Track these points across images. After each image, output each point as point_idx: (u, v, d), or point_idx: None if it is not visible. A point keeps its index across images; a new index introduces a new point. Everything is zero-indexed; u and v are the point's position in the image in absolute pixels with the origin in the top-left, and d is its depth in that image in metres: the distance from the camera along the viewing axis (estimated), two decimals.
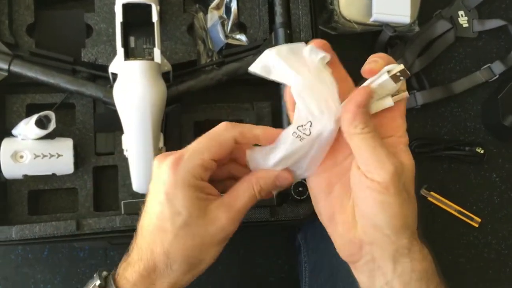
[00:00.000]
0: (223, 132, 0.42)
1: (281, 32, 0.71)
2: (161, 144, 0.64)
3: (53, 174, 0.65)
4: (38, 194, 0.70)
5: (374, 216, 0.39)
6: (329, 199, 0.43)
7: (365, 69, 0.40)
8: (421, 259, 0.41)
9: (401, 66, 0.39)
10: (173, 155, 0.41)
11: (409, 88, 0.84)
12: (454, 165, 0.85)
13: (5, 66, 0.64)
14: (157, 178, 0.41)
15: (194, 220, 0.40)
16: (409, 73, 0.40)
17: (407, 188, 0.39)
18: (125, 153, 0.64)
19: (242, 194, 0.41)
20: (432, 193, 0.84)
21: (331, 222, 0.42)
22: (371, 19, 0.77)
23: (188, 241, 0.40)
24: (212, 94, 0.74)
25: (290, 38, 0.71)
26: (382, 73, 0.40)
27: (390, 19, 0.77)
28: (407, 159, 0.40)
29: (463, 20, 0.86)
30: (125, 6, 0.64)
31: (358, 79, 0.81)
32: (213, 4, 0.76)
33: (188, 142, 0.70)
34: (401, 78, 0.39)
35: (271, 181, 0.42)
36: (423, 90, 0.83)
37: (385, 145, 0.39)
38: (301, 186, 0.68)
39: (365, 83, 0.40)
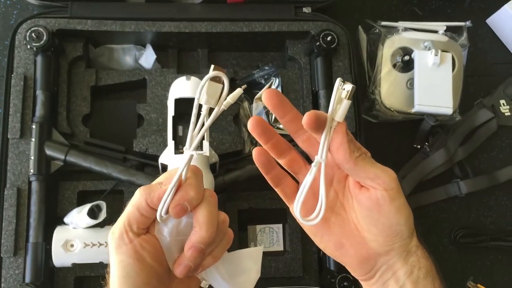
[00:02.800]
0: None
1: None
2: None
3: (100, 262, 0.66)
4: (84, 280, 0.70)
5: (394, 224, 0.42)
6: (331, 232, 0.45)
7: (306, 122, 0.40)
8: (425, 257, 0.44)
9: (348, 84, 0.40)
10: None
11: (453, 176, 0.83)
12: (502, 256, 0.83)
13: (62, 157, 0.68)
14: None
15: None
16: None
17: None
18: None
19: None
20: (479, 285, 0.81)
21: (340, 250, 0.45)
22: (413, 110, 0.78)
23: None
24: (255, 181, 0.75)
25: None
26: (336, 91, 0.40)
27: (432, 110, 0.78)
28: None
29: (504, 109, 0.86)
30: (177, 101, 0.67)
31: (399, 167, 0.82)
32: (259, 95, 0.79)
33: (232, 230, 0.71)
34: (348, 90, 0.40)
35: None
36: (466, 179, 0.82)
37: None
38: (346, 281, 0.67)
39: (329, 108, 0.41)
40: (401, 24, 0.84)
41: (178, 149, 0.66)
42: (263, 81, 0.79)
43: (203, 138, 0.66)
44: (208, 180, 0.63)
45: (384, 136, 0.85)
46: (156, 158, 0.70)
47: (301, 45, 0.78)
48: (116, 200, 0.73)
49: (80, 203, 0.70)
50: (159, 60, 0.80)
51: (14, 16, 0.83)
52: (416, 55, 0.79)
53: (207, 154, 0.65)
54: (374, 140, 0.82)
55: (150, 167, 0.72)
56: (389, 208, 0.42)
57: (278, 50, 0.82)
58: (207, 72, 0.77)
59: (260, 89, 0.79)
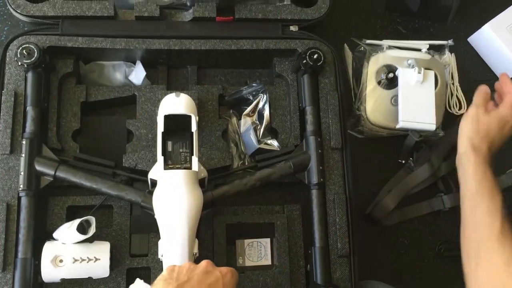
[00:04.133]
0: None
1: (312, 139, 0.74)
2: (195, 250, 0.65)
3: (89, 278, 0.67)
4: None
5: None
6: None
7: None
8: None
9: None
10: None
11: (437, 191, 0.85)
12: None
13: (52, 172, 0.68)
14: None
15: None
16: None
17: None
18: (160, 258, 0.66)
19: None
20: None
21: None
22: (397, 126, 0.80)
23: None
24: (243, 196, 0.76)
25: (320, 145, 0.74)
26: None
27: (416, 126, 0.80)
28: None
29: None
30: (167, 117, 0.68)
31: (385, 182, 0.83)
32: (247, 111, 0.80)
33: (221, 244, 0.72)
34: None
35: None
36: (450, 193, 0.84)
37: None
38: None
39: None
40: (385, 42, 0.87)
41: (168, 165, 0.67)
42: (251, 98, 0.80)
43: (192, 154, 0.68)
44: (197, 196, 0.64)
45: (370, 151, 0.87)
46: (145, 173, 0.70)
47: (288, 63, 0.80)
48: (105, 215, 0.74)
49: (69, 218, 0.71)
50: (149, 77, 0.81)
51: (5, 33, 0.84)
52: (400, 72, 0.81)
53: (196, 169, 0.66)
54: (360, 155, 0.84)
55: (140, 182, 0.73)
56: None
57: (265, 67, 0.83)
58: (197, 89, 0.80)
59: (248, 105, 0.80)
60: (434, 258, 0.85)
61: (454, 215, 0.86)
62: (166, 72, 0.81)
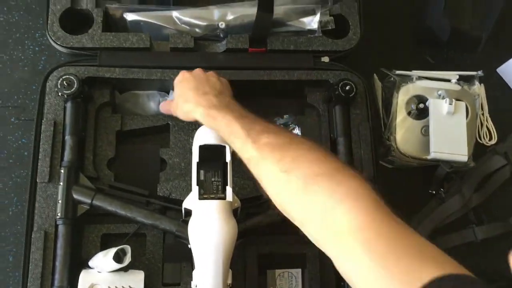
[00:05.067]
0: None
1: None
2: (229, 280, 0.65)
3: None
4: None
5: None
6: None
7: None
8: None
9: None
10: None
11: (468, 222, 0.85)
12: None
13: (88, 201, 0.69)
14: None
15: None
16: None
17: None
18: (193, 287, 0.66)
19: None
20: None
21: None
22: (429, 157, 0.80)
23: None
24: (275, 225, 0.76)
25: None
26: None
27: (448, 157, 0.80)
28: None
29: None
30: (202, 147, 0.69)
31: (415, 212, 0.83)
32: None
33: (252, 274, 0.72)
34: None
35: None
36: (481, 225, 0.83)
37: None
38: None
39: None
40: (415, 73, 0.87)
41: (201, 194, 0.68)
42: None
43: (226, 184, 0.68)
44: (231, 226, 0.65)
45: (400, 181, 0.87)
46: (178, 202, 0.71)
47: (319, 93, 0.81)
48: (138, 243, 0.75)
49: (103, 245, 0.72)
50: None
51: (42, 62, 0.86)
52: (431, 104, 0.82)
53: (230, 199, 0.66)
54: (390, 186, 0.84)
55: (172, 211, 0.73)
56: None
57: (296, 97, 0.84)
58: None
59: None
60: None
61: (486, 247, 0.85)
62: None
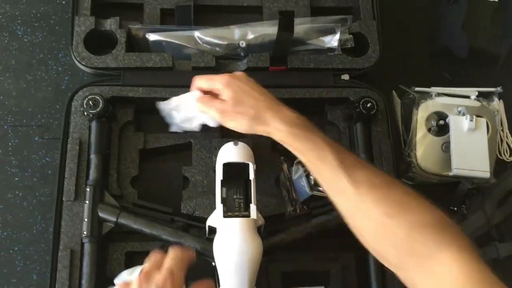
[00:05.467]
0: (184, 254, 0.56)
1: None
2: None
3: None
4: None
5: None
6: None
7: None
8: None
9: None
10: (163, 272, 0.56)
11: (490, 239, 0.84)
12: None
13: (114, 219, 0.70)
14: None
15: None
16: None
17: None
18: None
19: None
20: None
21: None
22: (451, 174, 0.80)
23: None
24: (297, 242, 0.76)
25: None
26: None
27: (470, 174, 0.80)
28: None
29: None
30: (225, 165, 0.70)
31: None
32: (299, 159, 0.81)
33: None
34: None
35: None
36: (504, 242, 0.83)
37: None
38: None
39: None
40: (434, 90, 0.88)
41: (225, 212, 0.68)
42: None
43: (250, 201, 0.69)
44: (257, 244, 0.65)
45: None
46: (202, 219, 0.72)
47: (339, 111, 0.82)
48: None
49: (128, 263, 0.72)
50: (203, 125, 0.83)
51: (65, 82, 0.87)
52: (451, 120, 0.82)
53: (255, 217, 0.67)
54: None
55: (195, 228, 0.74)
56: None
57: (315, 114, 0.85)
58: (251, 136, 0.81)
59: None
60: None
61: (509, 264, 0.84)
62: None
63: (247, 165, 0.70)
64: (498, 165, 0.86)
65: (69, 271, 0.68)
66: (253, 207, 0.67)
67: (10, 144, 0.83)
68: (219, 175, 0.69)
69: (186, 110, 0.72)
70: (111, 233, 0.72)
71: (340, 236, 0.78)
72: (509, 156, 0.89)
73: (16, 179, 0.81)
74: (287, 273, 0.75)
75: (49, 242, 0.75)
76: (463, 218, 0.84)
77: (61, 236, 0.70)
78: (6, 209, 0.80)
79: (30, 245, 0.78)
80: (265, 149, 0.80)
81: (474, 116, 0.81)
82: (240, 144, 0.72)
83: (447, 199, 0.86)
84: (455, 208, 0.85)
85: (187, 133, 0.80)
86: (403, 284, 0.70)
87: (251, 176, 0.69)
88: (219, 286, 0.66)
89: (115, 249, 0.73)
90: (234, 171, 0.71)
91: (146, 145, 0.79)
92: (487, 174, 0.80)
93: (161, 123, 0.82)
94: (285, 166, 0.82)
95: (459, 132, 0.81)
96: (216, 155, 0.76)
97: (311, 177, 0.80)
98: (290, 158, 0.82)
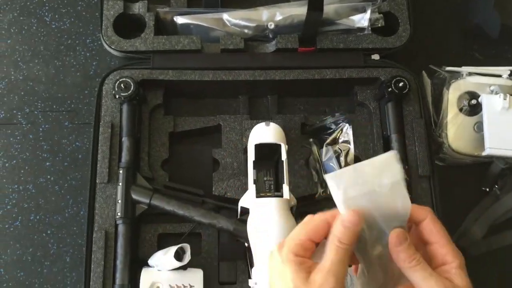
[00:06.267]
0: (314, 217, 0.47)
1: None
2: None
3: None
4: None
5: None
6: None
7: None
8: None
9: None
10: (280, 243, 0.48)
11: None
12: None
13: (147, 200, 0.70)
14: (270, 265, 0.48)
15: (299, 286, 0.44)
16: None
17: None
18: (252, 285, 0.66)
19: (327, 252, 0.44)
20: None
21: None
22: (484, 154, 0.79)
23: None
24: None
25: (407, 173, 0.74)
26: None
27: (504, 153, 0.78)
28: (460, 281, 0.43)
29: None
30: (257, 146, 0.69)
31: (468, 210, 0.82)
32: (329, 140, 0.81)
33: None
34: None
35: (340, 225, 0.44)
36: None
37: (435, 274, 0.42)
38: None
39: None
40: (465, 69, 0.86)
41: (259, 193, 0.68)
42: (333, 126, 0.81)
43: (283, 182, 0.68)
44: (290, 224, 0.65)
45: (452, 179, 0.85)
46: (233, 201, 0.72)
47: (369, 91, 0.81)
48: (193, 243, 0.75)
49: (160, 245, 0.72)
50: (232, 107, 0.83)
51: (94, 67, 0.88)
52: (484, 99, 0.80)
53: (288, 197, 0.66)
54: (441, 184, 0.83)
55: (227, 210, 0.74)
56: None
57: (345, 95, 0.84)
58: (281, 118, 0.81)
59: (329, 134, 0.81)
60: None
61: None
62: (247, 102, 0.83)
63: (279, 145, 0.69)
64: None
65: (104, 251, 0.68)
66: (285, 187, 0.67)
67: (40, 129, 0.84)
68: (251, 156, 0.69)
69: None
70: (143, 215, 0.73)
71: None
72: None
73: (48, 164, 0.82)
74: None
75: (81, 225, 0.76)
76: (496, 199, 0.83)
77: (95, 218, 0.70)
78: (38, 194, 0.81)
79: (62, 228, 0.79)
80: (295, 131, 0.80)
81: (507, 95, 0.80)
82: (272, 124, 0.72)
83: (479, 180, 0.85)
84: (487, 189, 0.84)
85: (217, 116, 0.80)
86: None
87: (283, 156, 0.69)
88: (252, 267, 0.66)
89: (147, 231, 0.73)
90: (265, 152, 0.70)
91: (175, 128, 0.79)
92: None
93: (190, 106, 0.84)
94: (314, 148, 0.82)
95: (492, 111, 0.80)
96: (245, 137, 0.76)
97: (342, 158, 0.79)
98: (320, 140, 0.82)
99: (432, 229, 0.45)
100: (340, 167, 0.79)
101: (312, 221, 0.47)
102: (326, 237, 0.46)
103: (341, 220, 0.44)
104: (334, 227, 0.44)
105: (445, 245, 0.45)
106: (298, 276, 0.44)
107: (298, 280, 0.44)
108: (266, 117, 0.82)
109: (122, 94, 0.73)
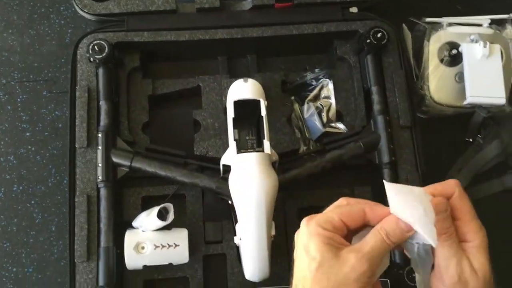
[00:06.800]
0: (350, 202, 0.47)
1: (380, 119, 0.74)
2: (273, 231, 0.65)
3: (170, 264, 0.68)
4: (152, 283, 0.72)
5: None
6: None
7: None
8: None
9: None
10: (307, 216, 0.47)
11: (507, 168, 0.83)
12: None
13: (127, 163, 0.70)
14: (297, 239, 0.47)
15: (327, 261, 0.43)
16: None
17: None
18: (237, 241, 0.66)
19: (370, 239, 0.44)
20: None
21: None
22: (465, 102, 0.79)
23: (324, 282, 0.43)
24: (312, 180, 0.76)
25: (389, 124, 0.74)
26: None
27: (485, 101, 0.78)
28: (476, 263, 0.43)
29: None
30: (236, 103, 0.69)
31: (452, 161, 0.82)
32: (310, 97, 0.80)
33: (294, 228, 0.72)
34: None
35: (394, 224, 0.44)
36: None
37: (458, 256, 0.43)
38: (414, 272, 0.67)
39: None
40: (445, 20, 0.85)
41: (240, 149, 0.67)
42: (314, 83, 0.80)
43: (263, 138, 0.68)
44: (272, 178, 0.64)
45: (434, 131, 0.85)
46: (216, 160, 0.71)
47: (349, 45, 0.80)
48: (178, 204, 0.75)
49: (144, 208, 0.72)
50: (211, 68, 0.82)
51: (69, 35, 0.86)
52: (464, 48, 0.80)
53: (269, 152, 0.66)
54: (424, 136, 0.83)
55: (209, 170, 0.73)
56: None
57: (325, 51, 0.83)
58: (258, 76, 0.80)
59: (311, 90, 0.81)
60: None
61: None
62: (226, 62, 0.82)
63: (258, 101, 0.69)
64: None
65: (87, 215, 0.68)
66: (266, 143, 0.66)
67: (19, 100, 0.83)
68: (230, 114, 0.68)
69: None
70: (126, 179, 0.72)
71: (356, 170, 0.78)
72: None
73: (28, 134, 0.81)
74: (303, 209, 0.75)
75: (65, 194, 0.75)
76: (479, 149, 0.83)
77: (77, 183, 0.70)
78: (20, 164, 0.80)
79: (46, 198, 0.79)
80: (275, 89, 0.79)
81: (487, 43, 0.79)
82: (250, 80, 0.71)
83: (462, 131, 0.85)
84: (471, 139, 0.84)
85: (196, 77, 0.79)
86: None
87: (263, 112, 0.68)
88: (236, 223, 0.66)
89: (131, 194, 0.73)
90: (245, 109, 0.70)
91: (155, 91, 0.78)
92: (502, 100, 0.78)
93: (169, 69, 0.83)
94: (296, 106, 0.81)
95: (473, 59, 0.79)
96: (225, 96, 0.75)
97: (323, 114, 0.79)
98: (301, 98, 0.81)
99: (457, 204, 0.45)
100: (322, 123, 0.78)
101: (347, 206, 0.47)
102: (356, 226, 0.46)
103: (397, 219, 0.43)
104: (387, 222, 0.44)
105: (468, 222, 0.45)
106: (326, 249, 0.43)
107: (326, 253, 0.43)
108: (246, 76, 0.81)
109: (96, 57, 0.71)
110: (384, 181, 0.46)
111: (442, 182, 0.46)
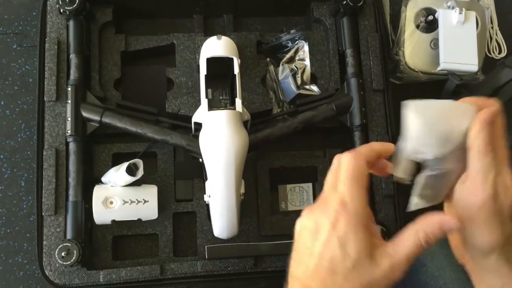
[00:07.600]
0: (359, 166, 0.43)
1: (353, 81, 0.74)
2: (242, 190, 0.65)
3: (139, 220, 0.68)
4: (121, 239, 0.72)
5: None
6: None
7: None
8: None
9: None
10: (335, 201, 0.42)
11: None
12: None
13: (97, 118, 0.69)
14: (321, 222, 0.41)
15: (362, 262, 0.40)
16: None
17: None
18: (206, 199, 0.66)
19: (406, 242, 0.41)
20: None
21: None
22: (439, 68, 0.79)
23: (357, 282, 0.40)
24: (285, 142, 0.76)
25: (362, 87, 0.74)
26: None
27: (458, 67, 0.78)
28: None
29: None
30: (209, 60, 0.68)
31: None
32: (285, 59, 0.79)
33: (264, 188, 0.72)
34: None
35: (436, 226, 0.41)
36: None
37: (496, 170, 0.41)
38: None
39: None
40: None
41: (211, 107, 0.67)
42: (289, 44, 0.80)
43: (236, 96, 0.67)
44: (242, 135, 0.64)
45: (408, 97, 0.85)
46: (187, 119, 0.71)
47: (326, 7, 0.79)
48: (149, 162, 0.74)
49: (115, 165, 0.71)
50: (186, 27, 0.80)
51: None
52: (440, 14, 0.80)
53: (240, 110, 0.66)
54: (399, 102, 0.83)
55: (181, 129, 0.73)
56: None
57: (302, 13, 0.83)
58: (235, 36, 0.79)
59: (286, 52, 0.80)
60: None
61: None
62: (202, 21, 0.81)
63: (231, 59, 0.68)
64: (488, 63, 0.85)
65: (55, 169, 0.67)
66: (238, 101, 0.66)
67: None
68: (203, 71, 0.68)
69: None
70: (97, 136, 0.72)
71: (327, 133, 0.79)
72: (498, 54, 0.88)
73: None
74: (274, 170, 0.75)
75: (35, 148, 0.74)
76: None
77: (45, 136, 0.69)
78: None
79: (15, 153, 0.78)
80: (250, 49, 0.78)
81: (463, 9, 0.79)
82: (224, 38, 0.70)
83: (435, 98, 0.85)
84: None
85: (170, 35, 0.78)
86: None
87: (236, 70, 0.67)
88: (206, 180, 0.66)
89: (101, 150, 0.73)
90: (218, 67, 0.69)
91: (128, 47, 0.76)
92: (475, 68, 0.79)
93: (144, 26, 0.81)
94: (271, 67, 0.81)
95: (448, 25, 0.79)
96: (199, 54, 0.74)
97: (298, 76, 0.78)
98: (277, 59, 0.81)
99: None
100: (297, 85, 0.78)
101: (359, 171, 0.43)
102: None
103: (440, 221, 0.40)
104: (427, 223, 0.40)
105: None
106: (363, 247, 0.40)
107: (362, 251, 0.40)
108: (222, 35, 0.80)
109: (67, 8, 0.69)
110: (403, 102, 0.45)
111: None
